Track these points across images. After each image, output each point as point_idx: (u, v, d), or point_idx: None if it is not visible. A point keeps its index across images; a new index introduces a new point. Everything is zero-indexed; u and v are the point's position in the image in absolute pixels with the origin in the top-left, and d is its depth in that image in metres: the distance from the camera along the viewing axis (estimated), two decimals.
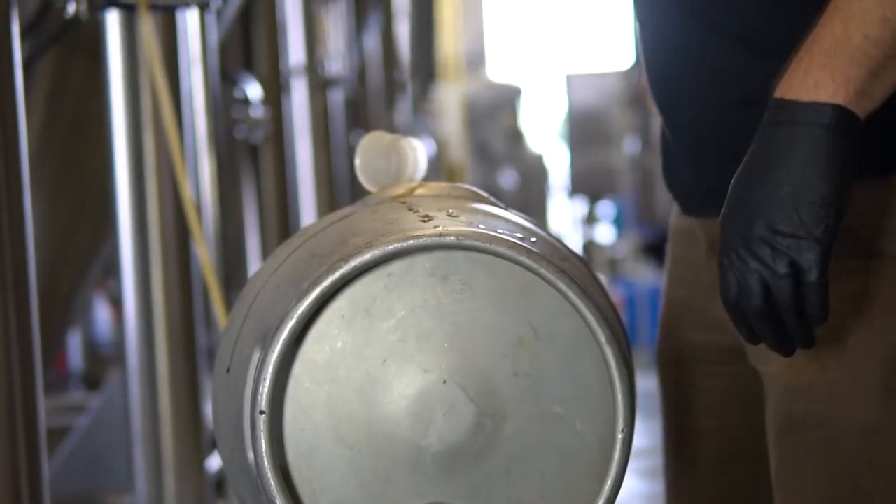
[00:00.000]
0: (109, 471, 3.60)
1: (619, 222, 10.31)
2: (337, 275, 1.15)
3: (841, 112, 1.21)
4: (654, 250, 8.69)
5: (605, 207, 10.94)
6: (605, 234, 10.94)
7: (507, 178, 11.03)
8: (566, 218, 11.86)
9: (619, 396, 1.19)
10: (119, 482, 3.35)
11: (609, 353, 1.19)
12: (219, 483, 3.02)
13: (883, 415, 1.33)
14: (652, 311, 8.24)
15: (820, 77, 1.21)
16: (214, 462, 2.91)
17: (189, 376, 2.90)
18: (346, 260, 1.16)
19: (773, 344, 1.27)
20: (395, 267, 1.18)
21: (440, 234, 1.17)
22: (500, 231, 1.21)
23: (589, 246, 10.87)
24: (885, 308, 1.33)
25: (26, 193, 1.86)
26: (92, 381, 6.18)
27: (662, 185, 1.62)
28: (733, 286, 1.24)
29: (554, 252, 1.26)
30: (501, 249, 1.18)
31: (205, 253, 2.60)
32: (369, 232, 1.21)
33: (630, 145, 8.81)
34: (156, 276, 2.80)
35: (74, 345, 7.30)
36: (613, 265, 9.54)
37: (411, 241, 1.17)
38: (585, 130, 10.32)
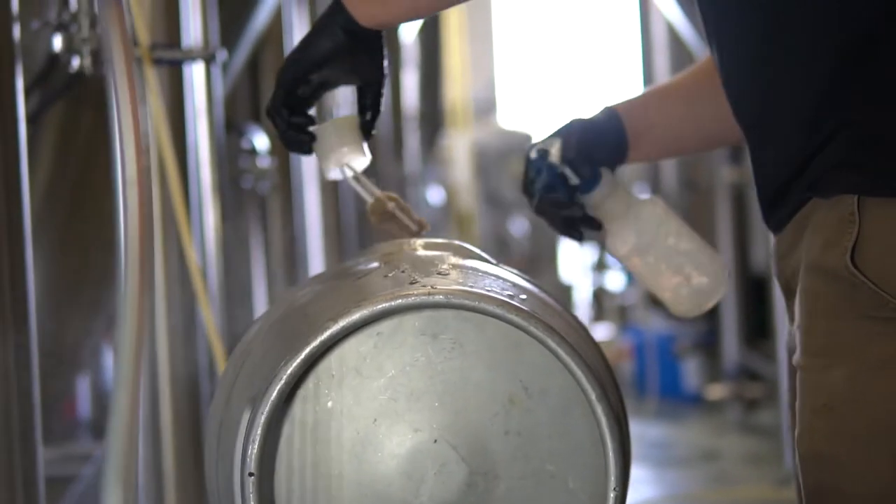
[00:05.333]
0: None
1: (628, 269, 10.28)
2: (325, 335, 1.16)
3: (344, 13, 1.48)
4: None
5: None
6: (615, 281, 10.92)
7: (517, 226, 11.03)
8: (576, 265, 11.85)
9: (611, 454, 1.19)
10: None
11: (599, 410, 1.19)
12: None
13: (893, 484, 1.29)
14: (661, 358, 8.21)
15: None
16: None
17: (192, 431, 2.89)
18: (334, 320, 1.16)
19: None
20: (385, 326, 1.18)
21: (429, 293, 1.17)
22: (489, 289, 1.21)
23: (599, 293, 10.84)
24: (891, 376, 1.28)
25: (28, 243, 1.87)
26: (100, 429, 6.16)
27: None
28: None
29: (544, 309, 1.26)
30: (490, 307, 1.18)
31: (209, 315, 2.61)
32: (359, 291, 1.21)
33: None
34: (160, 329, 2.80)
35: (83, 392, 7.26)
36: (623, 312, 9.52)
37: (400, 300, 1.17)
38: None
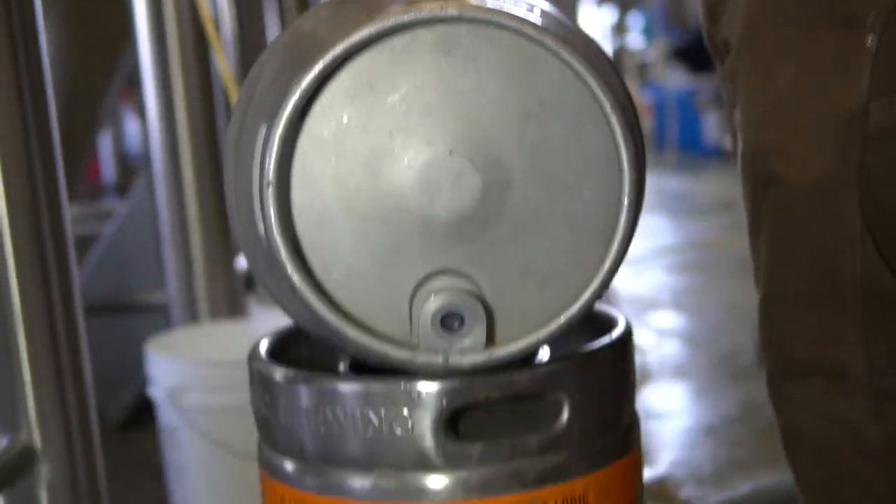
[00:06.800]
0: (139, 271, 3.65)
1: (648, 31, 10.24)
2: (339, 49, 1.16)
3: None
4: (683, 55, 8.60)
5: (636, 18, 10.86)
6: (635, 41, 10.85)
7: None
8: (597, 27, 11.75)
9: (625, 163, 1.20)
10: (149, 282, 3.40)
11: (614, 119, 1.19)
12: (248, 280, 3.07)
13: (835, 175, 1.37)
14: (680, 114, 8.19)
15: None
16: (243, 261, 2.95)
17: (214, 177, 2.93)
18: (347, 34, 1.16)
19: None
20: (398, 41, 1.18)
21: (441, 8, 1.17)
22: (503, 5, 1.21)
23: (619, 52, 10.77)
24: (840, 74, 1.36)
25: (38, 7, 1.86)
26: (123, 189, 6.21)
27: None
28: None
29: (559, 26, 1.26)
30: (504, 21, 1.18)
31: (223, 62, 2.60)
32: (373, 8, 1.21)
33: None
34: (176, 82, 2.81)
35: (106, 156, 7.33)
36: (643, 70, 9.47)
37: (412, 15, 1.16)
38: None
